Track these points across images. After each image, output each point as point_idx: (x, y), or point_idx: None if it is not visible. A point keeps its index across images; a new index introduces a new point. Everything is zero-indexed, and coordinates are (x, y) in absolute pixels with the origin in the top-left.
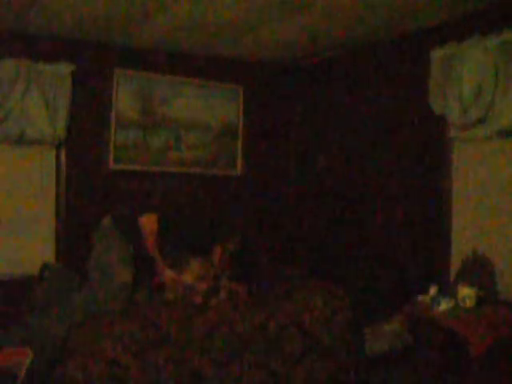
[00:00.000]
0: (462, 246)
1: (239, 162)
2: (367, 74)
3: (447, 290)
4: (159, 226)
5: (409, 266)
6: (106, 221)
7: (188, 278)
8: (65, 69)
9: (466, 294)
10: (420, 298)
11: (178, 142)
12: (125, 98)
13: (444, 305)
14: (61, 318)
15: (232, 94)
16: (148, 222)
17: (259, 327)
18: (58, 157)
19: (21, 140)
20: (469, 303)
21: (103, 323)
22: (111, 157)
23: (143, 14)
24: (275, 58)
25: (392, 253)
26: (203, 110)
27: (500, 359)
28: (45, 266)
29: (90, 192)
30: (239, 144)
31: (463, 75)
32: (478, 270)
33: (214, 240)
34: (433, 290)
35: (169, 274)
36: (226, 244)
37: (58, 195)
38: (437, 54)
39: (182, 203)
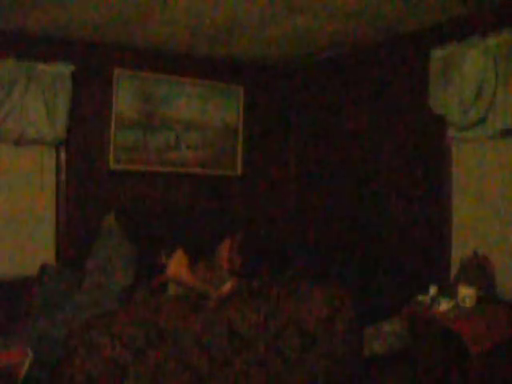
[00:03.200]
0: (462, 246)
1: (239, 161)
2: (367, 74)
3: (447, 290)
4: (187, 255)
5: (409, 266)
6: (109, 219)
7: (197, 283)
8: (65, 69)
9: (466, 293)
10: (420, 298)
11: (177, 142)
12: (125, 98)
13: (444, 305)
14: (61, 318)
15: (232, 93)
16: (178, 265)
17: (259, 327)
18: (58, 157)
19: (21, 140)
20: (469, 303)
21: (103, 323)
22: (111, 157)
23: (143, 13)
24: (275, 57)
25: (392, 253)
26: (203, 110)
27: (500, 359)
28: (44, 268)
29: (90, 192)
30: (239, 144)
31: (463, 75)
32: (478, 270)
33: (214, 240)
34: (433, 290)
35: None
36: (235, 236)
37: (57, 195)
38: (437, 54)
39: (181, 203)
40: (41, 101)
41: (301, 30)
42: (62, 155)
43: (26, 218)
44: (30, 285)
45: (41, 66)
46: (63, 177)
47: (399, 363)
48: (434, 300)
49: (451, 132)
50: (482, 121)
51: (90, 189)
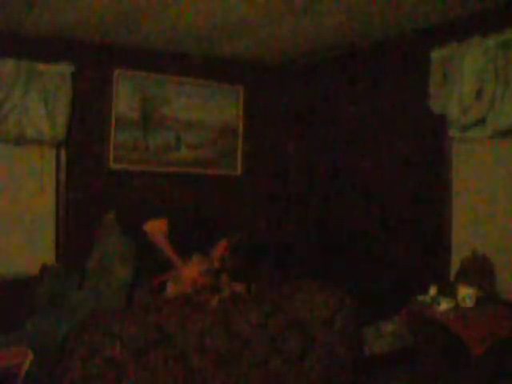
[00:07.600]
0: (462, 246)
1: (239, 161)
2: (367, 74)
3: (447, 290)
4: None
5: (409, 266)
6: (109, 218)
7: (192, 272)
8: (65, 69)
9: (466, 293)
10: (420, 298)
11: (177, 142)
12: (125, 98)
13: (444, 305)
14: (61, 318)
15: (232, 93)
16: (157, 227)
17: (259, 327)
18: (58, 157)
19: (21, 140)
20: (469, 303)
21: (102, 322)
22: (111, 157)
23: (143, 13)
24: (275, 58)
25: (392, 253)
26: (203, 110)
27: (500, 359)
28: (44, 267)
29: (90, 192)
30: (239, 144)
31: (463, 75)
32: (478, 270)
33: (214, 240)
34: (433, 290)
35: (188, 272)
36: (231, 238)
37: (57, 195)
38: (437, 54)
39: (181, 203)
40: (41, 101)
41: (301, 30)
42: (62, 155)
43: (26, 218)
44: (30, 285)
45: (41, 66)
46: (63, 177)
47: (399, 363)
48: (434, 300)
49: (451, 132)
50: (482, 121)
51: (90, 189)
